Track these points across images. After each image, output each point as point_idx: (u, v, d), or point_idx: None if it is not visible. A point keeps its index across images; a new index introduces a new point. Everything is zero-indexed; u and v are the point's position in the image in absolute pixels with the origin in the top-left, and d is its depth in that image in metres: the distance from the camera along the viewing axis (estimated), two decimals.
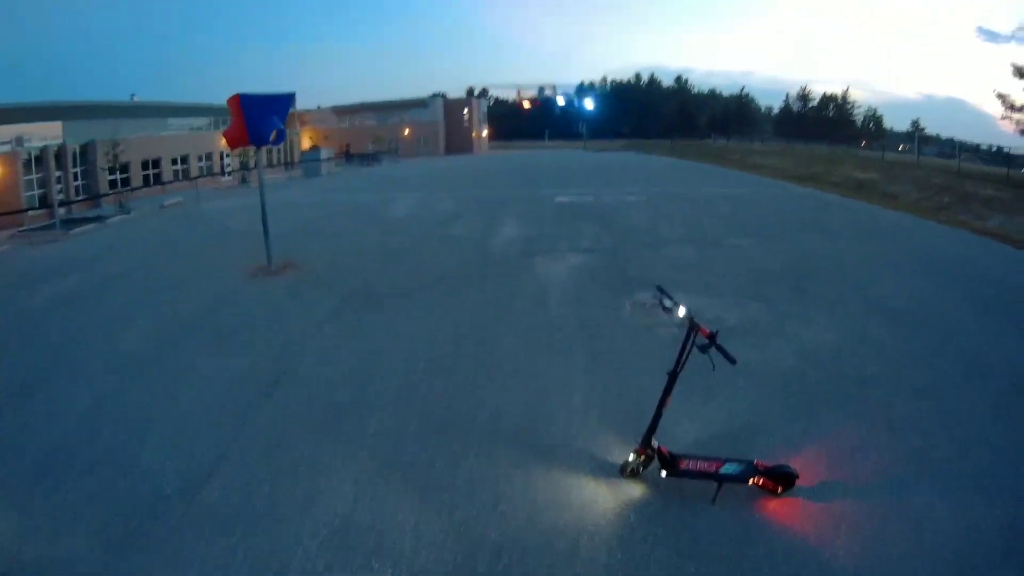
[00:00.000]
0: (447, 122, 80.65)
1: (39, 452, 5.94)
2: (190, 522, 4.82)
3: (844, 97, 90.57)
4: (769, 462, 4.88)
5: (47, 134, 34.83)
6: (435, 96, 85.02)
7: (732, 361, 4.31)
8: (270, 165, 51.47)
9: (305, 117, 73.14)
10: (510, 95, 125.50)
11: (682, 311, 4.72)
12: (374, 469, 5.42)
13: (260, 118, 11.96)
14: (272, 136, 12.25)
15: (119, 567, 4.41)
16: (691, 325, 4.56)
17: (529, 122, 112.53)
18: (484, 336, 8.48)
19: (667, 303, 4.88)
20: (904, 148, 47.19)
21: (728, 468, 4.74)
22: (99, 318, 10.03)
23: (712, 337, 4.43)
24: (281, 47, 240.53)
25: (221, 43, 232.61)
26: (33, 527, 4.88)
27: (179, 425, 6.35)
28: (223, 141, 13.40)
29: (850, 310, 9.21)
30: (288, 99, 12.88)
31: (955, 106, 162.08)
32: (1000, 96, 31.92)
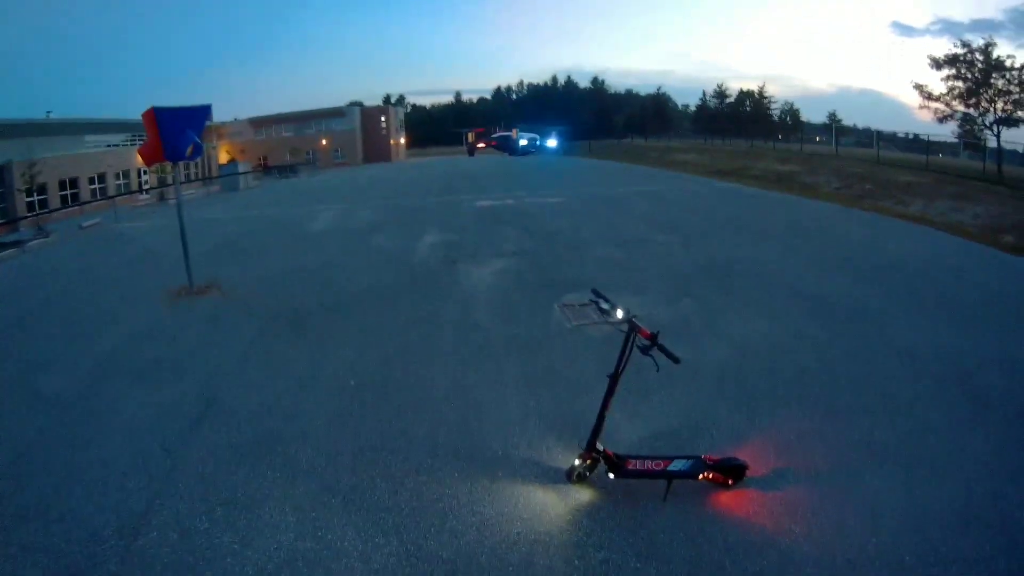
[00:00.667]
0: (365, 131, 79.77)
1: None
2: (132, 568, 4.63)
3: (760, 92, 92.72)
4: (717, 455, 4.95)
5: None
6: (352, 105, 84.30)
7: (675, 360, 4.32)
8: (188, 180, 49.95)
9: (222, 130, 71.48)
10: (427, 101, 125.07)
11: (620, 313, 4.73)
12: (314, 496, 5.28)
13: (176, 132, 11.55)
14: (188, 151, 11.87)
15: None
16: (631, 326, 4.56)
17: (447, 127, 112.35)
18: (413, 353, 8.34)
19: (604, 305, 4.91)
20: (821, 140, 48.58)
21: (676, 465, 4.78)
22: (18, 358, 9.51)
23: (653, 338, 4.42)
24: (198, 60, 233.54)
25: (138, 57, 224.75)
26: None
27: (110, 466, 6.07)
28: (139, 158, 12.93)
29: (781, 305, 9.45)
30: (204, 111, 12.47)
31: (870, 97, 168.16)
32: (918, 86, 33.45)
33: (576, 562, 4.29)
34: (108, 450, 6.42)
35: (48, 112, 46.11)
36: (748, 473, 4.93)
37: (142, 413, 7.19)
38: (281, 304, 11.03)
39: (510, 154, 17.68)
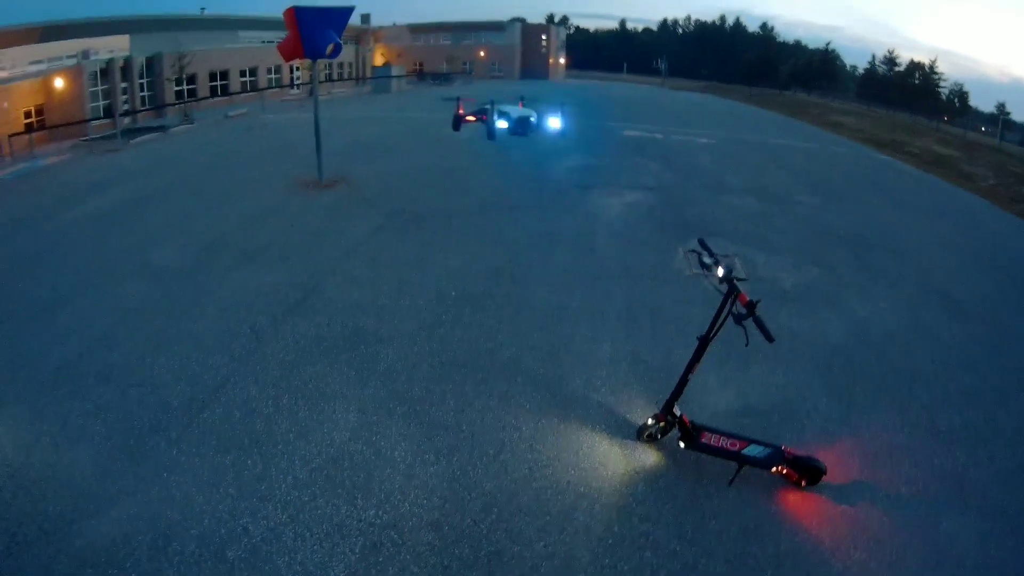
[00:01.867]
0: (524, 47, 78.44)
1: (58, 362, 5.97)
2: (189, 438, 4.77)
3: (931, 67, 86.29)
4: (798, 450, 4.43)
5: (114, 47, 35.02)
6: (513, 20, 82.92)
7: (770, 339, 3.78)
8: (340, 79, 51.20)
9: (379, 34, 71.92)
10: (591, 24, 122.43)
11: (721, 271, 4.12)
12: (381, 401, 5.22)
13: (315, 31, 11.70)
14: (328, 49, 11.99)
15: (117, 476, 4.38)
16: (730, 289, 4.02)
17: (608, 54, 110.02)
18: (521, 272, 8.10)
19: (707, 259, 4.30)
20: (986, 130, 44.59)
21: (752, 450, 4.31)
22: (140, 232, 10.01)
23: (751, 307, 3.90)
24: None
25: None
26: (42, 434, 4.89)
27: (196, 341, 6.28)
28: (279, 53, 13.18)
29: (910, 292, 8.47)
30: (345, 13, 12.55)
31: None
32: None
33: (615, 527, 3.99)
34: (201, 324, 6.64)
35: (202, 8, 47.70)
36: (825, 478, 4.40)
37: (242, 293, 7.39)
38: (403, 203, 11.07)
39: (488, 136, 15.67)
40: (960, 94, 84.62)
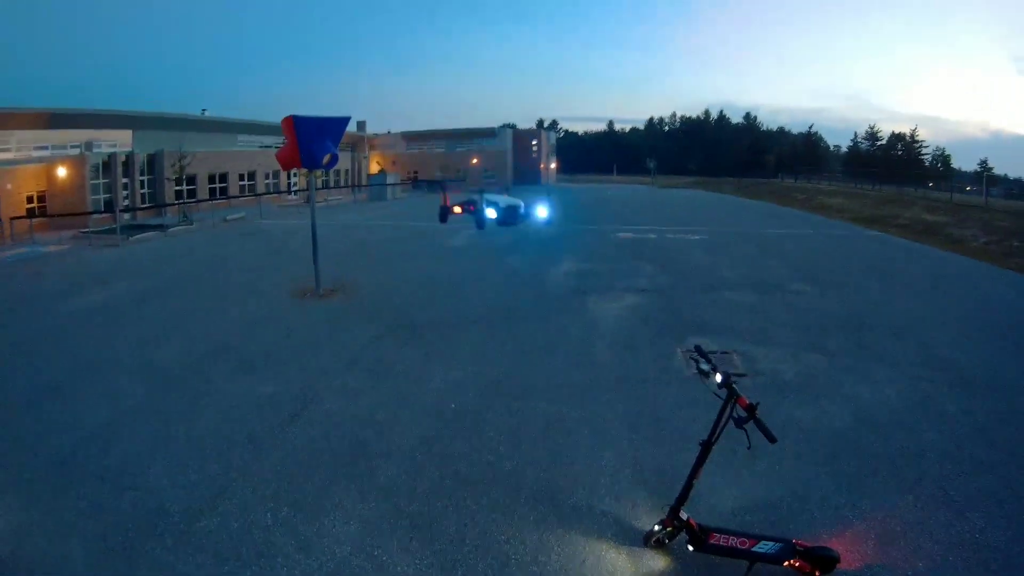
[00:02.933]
0: (516, 152, 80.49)
1: (52, 455, 5.99)
2: (186, 545, 4.70)
3: (912, 136, 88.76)
4: (809, 542, 4.36)
5: (117, 141, 36.01)
6: (505, 127, 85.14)
7: (771, 440, 3.80)
8: (337, 186, 52.26)
9: (375, 141, 74.02)
10: (579, 127, 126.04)
11: (719, 377, 4.20)
12: (382, 515, 5.12)
13: (313, 141, 11.99)
14: (325, 159, 12.26)
15: None
16: (729, 393, 4.08)
17: (598, 155, 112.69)
18: (520, 383, 8.04)
19: (704, 366, 4.37)
20: (971, 189, 45.43)
21: (763, 547, 4.23)
22: (138, 330, 10.11)
23: (751, 410, 3.95)
24: (356, 73, 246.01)
25: (296, 65, 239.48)
26: (34, 525, 4.90)
27: (193, 446, 6.24)
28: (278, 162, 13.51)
29: (913, 369, 8.49)
30: (342, 123, 12.89)
31: (1022, 144, 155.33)
32: None
33: None
34: (198, 431, 6.60)
35: (204, 110, 49.11)
36: (839, 565, 4.32)
37: (240, 401, 7.36)
38: (401, 315, 11.10)
39: (477, 226, 15.38)
40: (943, 157, 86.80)
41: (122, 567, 4.43)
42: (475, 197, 16.85)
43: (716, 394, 4.24)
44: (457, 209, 17.48)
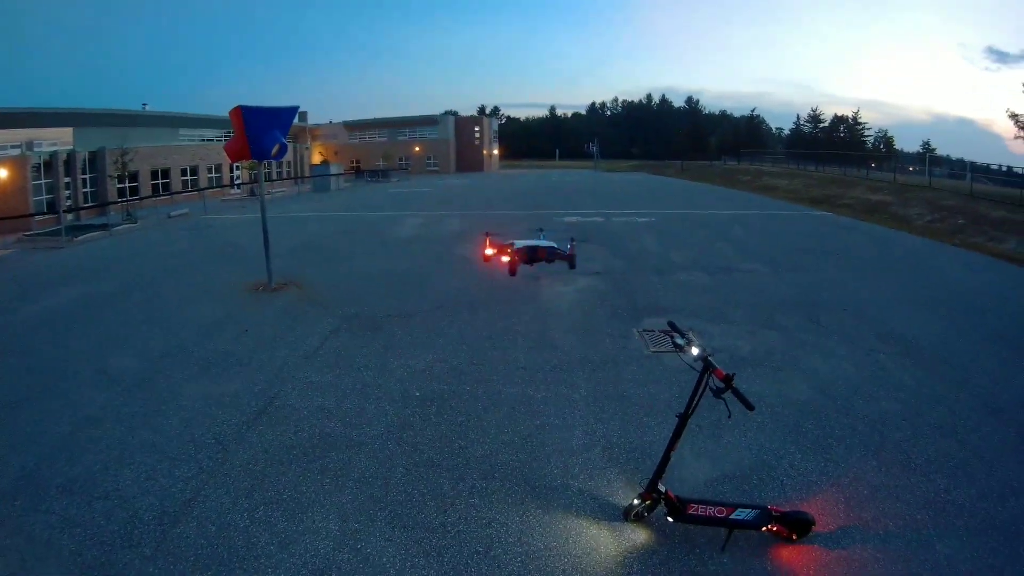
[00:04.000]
0: (458, 140, 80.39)
1: (15, 472, 5.77)
2: (164, 554, 4.60)
3: (855, 118, 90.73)
4: (784, 507, 4.55)
5: (57, 140, 34.99)
6: (446, 114, 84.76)
7: (750, 408, 3.95)
8: (279, 178, 51.53)
9: (316, 132, 73.18)
10: (521, 114, 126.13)
11: (695, 350, 4.32)
12: (360, 507, 5.12)
13: (262, 131, 11.76)
14: (274, 150, 12.05)
15: None
16: (705, 365, 4.20)
17: (540, 141, 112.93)
18: (483, 369, 8.08)
19: (679, 340, 4.48)
20: (915, 169, 46.63)
21: (740, 514, 4.40)
22: (92, 335, 9.83)
23: (728, 380, 4.06)
24: (295, 62, 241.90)
25: (235, 56, 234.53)
26: (5, 548, 4.71)
27: (161, 452, 6.10)
28: (226, 155, 13.21)
29: (867, 343, 8.81)
30: (291, 113, 12.66)
31: (966, 127, 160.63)
32: (1013, 116, 31.45)
33: None
34: (163, 435, 6.45)
35: (144, 104, 47.99)
36: (814, 528, 4.51)
37: (202, 403, 7.22)
38: (356, 307, 11.01)
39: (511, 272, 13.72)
40: (886, 139, 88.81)
41: None
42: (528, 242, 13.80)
43: (692, 367, 4.37)
44: (502, 255, 10.69)
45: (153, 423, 6.73)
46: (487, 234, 9.22)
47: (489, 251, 9.14)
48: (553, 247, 9.18)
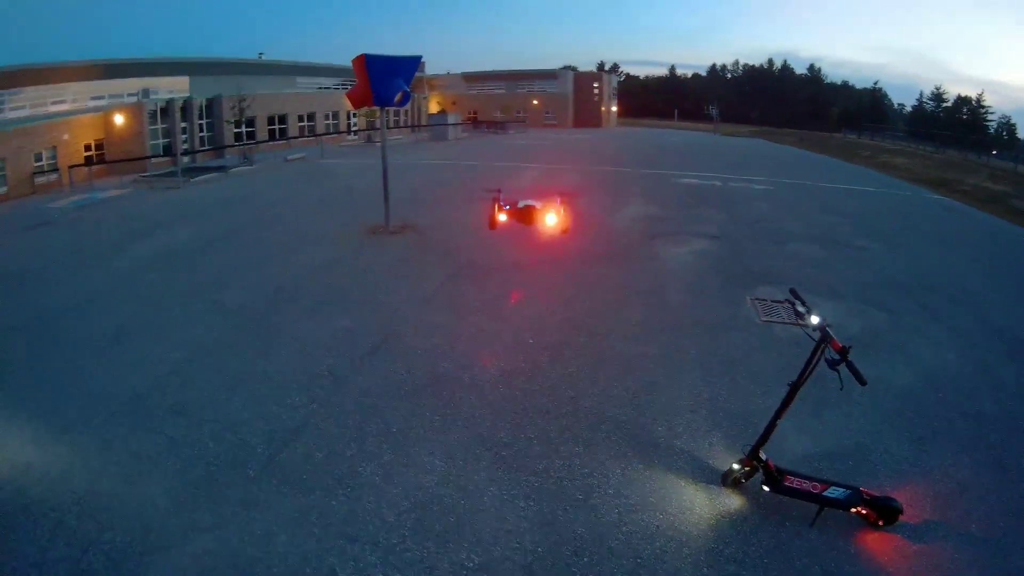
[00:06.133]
0: (576, 95, 78.90)
1: (129, 394, 6.13)
2: (269, 477, 4.83)
3: (978, 101, 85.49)
4: (875, 491, 4.47)
5: (174, 88, 36.35)
6: (566, 68, 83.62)
7: (862, 382, 3.88)
8: (397, 127, 52.16)
9: (434, 82, 73.37)
10: (640, 72, 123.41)
11: (815, 319, 4.31)
12: (466, 446, 5.28)
13: (385, 80, 12.07)
14: (397, 98, 12.35)
15: (192, 510, 4.46)
16: (823, 336, 4.16)
17: (659, 100, 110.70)
18: (596, 323, 8.13)
19: (800, 308, 4.47)
20: None
21: (833, 492, 4.37)
22: (210, 272, 10.33)
23: (844, 352, 4.00)
24: (414, 13, 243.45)
25: (352, 6, 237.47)
26: (110, 463, 5.01)
27: (273, 381, 6.40)
28: (348, 101, 13.58)
29: (972, 335, 8.36)
30: (414, 62, 12.91)
31: None
32: None
33: (704, 569, 4.00)
34: (276, 365, 6.77)
35: (260, 54, 49.16)
36: (901, 518, 4.42)
37: (317, 337, 7.53)
38: (472, 253, 11.24)
39: None
40: (1008, 126, 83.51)
41: (203, 501, 4.54)
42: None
43: (809, 336, 4.32)
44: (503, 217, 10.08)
45: (267, 355, 7.05)
46: (496, 194, 8.90)
47: (502, 216, 8.88)
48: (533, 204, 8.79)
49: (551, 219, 8.61)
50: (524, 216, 8.79)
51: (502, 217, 8.91)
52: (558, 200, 8.99)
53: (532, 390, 6.28)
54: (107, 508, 4.46)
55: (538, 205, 8.89)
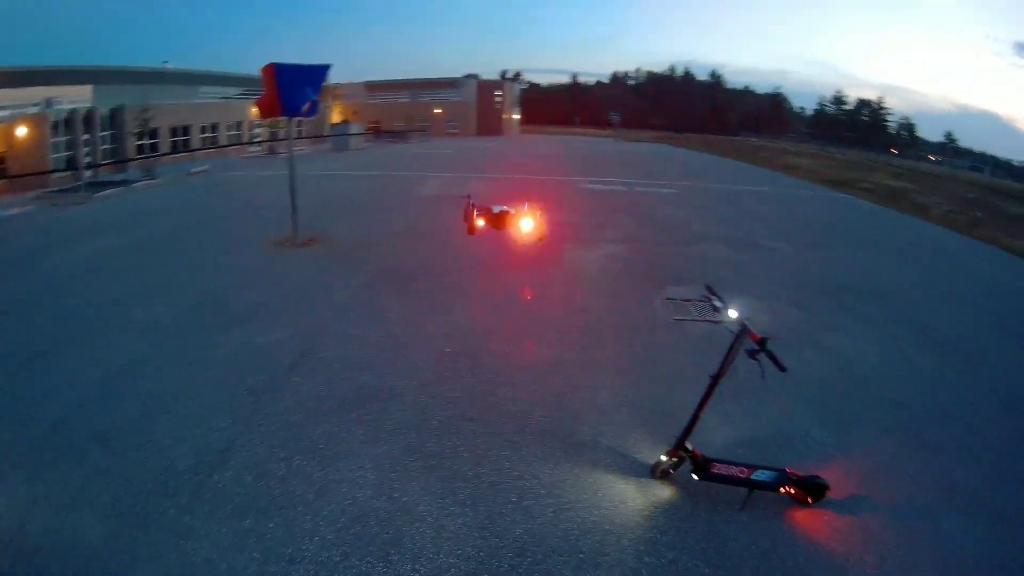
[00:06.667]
0: (479, 104, 79.15)
1: (48, 421, 5.83)
2: (201, 503, 4.68)
3: (879, 103, 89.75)
4: (801, 471, 4.71)
5: (77, 97, 34.92)
6: (468, 77, 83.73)
7: (782, 369, 4.10)
8: (299, 137, 51.35)
9: (337, 91, 72.33)
10: (543, 80, 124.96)
11: (733, 313, 4.49)
12: (396, 457, 5.25)
13: (294, 88, 11.89)
14: (305, 108, 12.18)
15: (129, 542, 4.28)
16: (742, 328, 4.35)
17: (561, 108, 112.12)
18: (512, 328, 8.24)
19: (716, 304, 4.64)
20: (936, 159, 46.27)
21: (760, 475, 4.59)
22: (119, 287, 9.94)
23: (763, 342, 4.20)
24: (316, 21, 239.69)
25: (255, 15, 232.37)
26: (39, 498, 4.76)
27: (195, 402, 6.20)
28: (254, 110, 13.36)
29: (887, 328, 8.90)
30: (323, 71, 12.76)
31: (988, 120, 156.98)
32: None
33: (646, 558, 4.14)
34: (197, 385, 6.56)
35: (164, 62, 47.85)
36: (828, 494, 4.69)
37: (235, 353, 7.34)
38: (384, 263, 11.17)
39: None
40: (908, 127, 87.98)
41: (138, 532, 4.38)
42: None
43: (728, 329, 4.50)
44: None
45: (186, 374, 6.81)
46: (468, 199, 9.10)
47: (480, 222, 8.93)
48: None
49: (527, 224, 8.69)
50: (499, 222, 8.85)
51: (480, 223, 8.94)
52: (525, 206, 9.08)
53: (454, 398, 6.30)
54: (42, 547, 4.23)
55: (512, 211, 8.96)
